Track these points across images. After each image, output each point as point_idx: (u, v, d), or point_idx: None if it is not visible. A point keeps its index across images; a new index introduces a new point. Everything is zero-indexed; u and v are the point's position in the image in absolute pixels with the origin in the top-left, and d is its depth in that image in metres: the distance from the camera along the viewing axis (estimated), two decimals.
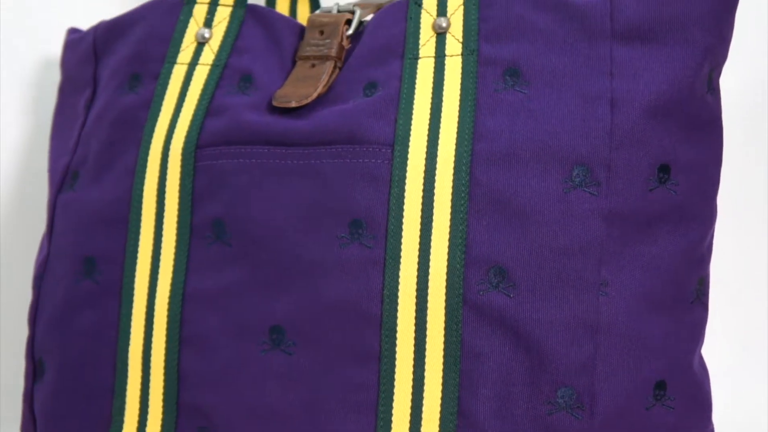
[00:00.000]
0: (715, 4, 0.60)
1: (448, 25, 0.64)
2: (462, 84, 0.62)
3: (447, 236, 0.59)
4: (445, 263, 0.59)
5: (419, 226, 0.59)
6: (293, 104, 0.64)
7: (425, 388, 0.59)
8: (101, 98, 0.71)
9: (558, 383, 0.57)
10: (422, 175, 0.60)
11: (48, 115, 0.85)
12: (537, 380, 0.58)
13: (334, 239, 0.60)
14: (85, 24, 0.82)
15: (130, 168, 0.67)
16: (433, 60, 0.63)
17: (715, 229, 0.63)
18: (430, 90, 0.62)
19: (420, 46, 0.64)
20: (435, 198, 0.59)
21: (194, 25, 0.71)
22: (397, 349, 0.59)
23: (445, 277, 0.59)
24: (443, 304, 0.58)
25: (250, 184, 0.63)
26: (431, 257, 0.59)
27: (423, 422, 0.59)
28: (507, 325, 0.58)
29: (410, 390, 0.59)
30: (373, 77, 0.64)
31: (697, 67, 0.59)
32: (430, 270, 0.59)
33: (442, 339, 0.58)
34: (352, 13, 0.69)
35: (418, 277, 0.59)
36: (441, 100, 0.62)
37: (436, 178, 0.60)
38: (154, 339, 0.65)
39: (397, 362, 0.59)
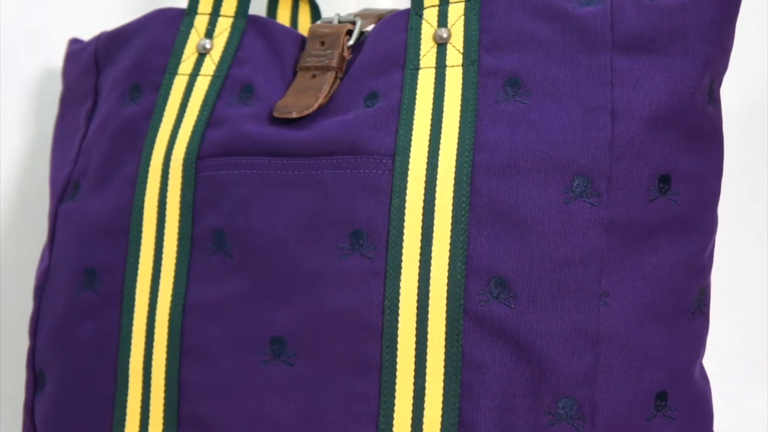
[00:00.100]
0: (716, 15, 0.60)
1: (449, 35, 0.64)
2: (463, 94, 0.62)
3: (448, 247, 0.59)
4: (446, 274, 0.59)
5: (420, 237, 0.59)
6: (294, 115, 0.64)
7: (426, 398, 0.59)
8: (102, 109, 0.72)
9: (559, 394, 0.57)
10: (423, 185, 0.60)
11: (49, 125, 0.86)
12: (538, 391, 0.58)
13: (335, 250, 0.60)
14: (87, 34, 0.82)
15: (131, 179, 0.67)
16: (433, 70, 0.63)
17: (715, 239, 0.63)
18: (431, 100, 0.62)
19: (421, 57, 0.64)
20: (436, 209, 0.59)
21: (195, 36, 0.71)
22: (398, 359, 0.59)
23: (445, 287, 0.58)
24: (444, 315, 0.58)
25: (250, 194, 0.63)
26: (432, 268, 0.59)
27: None
28: (508, 335, 0.58)
29: (411, 401, 0.59)
30: (374, 88, 0.64)
31: (697, 78, 0.60)
32: (431, 281, 0.59)
33: (443, 350, 0.58)
34: (353, 23, 0.69)
35: (418, 287, 0.59)
36: (442, 111, 0.62)
37: (437, 188, 0.60)
38: (154, 350, 0.65)
39: (398, 373, 0.59)
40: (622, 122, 0.59)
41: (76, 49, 0.77)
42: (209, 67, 0.69)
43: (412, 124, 0.62)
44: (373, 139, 0.62)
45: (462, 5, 0.64)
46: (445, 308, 0.58)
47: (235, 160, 0.65)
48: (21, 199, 0.88)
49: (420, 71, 0.64)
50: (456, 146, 0.60)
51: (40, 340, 0.70)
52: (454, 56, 0.63)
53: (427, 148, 0.61)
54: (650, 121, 0.59)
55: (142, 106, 0.69)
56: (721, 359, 0.84)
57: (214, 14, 0.71)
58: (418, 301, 0.59)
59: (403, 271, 0.59)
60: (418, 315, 0.59)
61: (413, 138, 0.61)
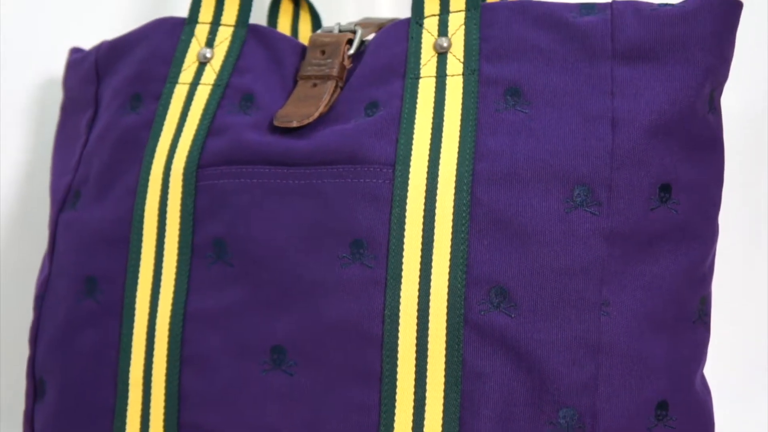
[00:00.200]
0: (716, 25, 0.60)
1: (449, 44, 0.64)
2: (463, 104, 0.62)
3: (448, 256, 0.59)
4: (446, 283, 0.59)
5: (420, 246, 0.59)
6: (294, 124, 0.64)
7: (426, 408, 0.58)
8: (103, 118, 0.72)
9: (560, 403, 0.57)
10: (423, 194, 0.60)
11: (50, 133, 0.86)
12: (539, 401, 0.57)
13: (336, 259, 0.60)
14: (88, 43, 0.82)
15: (132, 188, 0.67)
16: (434, 80, 0.63)
17: (716, 248, 0.63)
18: (432, 110, 0.62)
19: (421, 66, 0.64)
20: (436, 218, 0.59)
21: (196, 45, 0.71)
22: (398, 369, 0.59)
23: (446, 297, 0.58)
24: (444, 324, 0.58)
25: (251, 203, 0.63)
26: (432, 277, 0.59)
27: None
28: (508, 345, 0.58)
29: (411, 410, 0.59)
30: (375, 97, 0.64)
31: (698, 87, 0.60)
32: (431, 290, 0.59)
33: (444, 359, 0.58)
34: (354, 32, 0.69)
35: (419, 297, 0.59)
36: (442, 120, 0.62)
37: (437, 197, 0.60)
38: (155, 359, 0.65)
39: (398, 382, 0.59)
40: (623, 131, 0.59)
41: (77, 58, 0.77)
42: (210, 76, 0.69)
43: (412, 133, 0.62)
44: (373, 149, 0.62)
45: (462, 14, 0.64)
46: (445, 318, 0.58)
47: (236, 169, 0.65)
48: (21, 207, 0.88)
49: (420, 80, 0.64)
50: (456, 155, 0.60)
51: (41, 349, 0.70)
52: (455, 65, 0.63)
53: (427, 158, 0.61)
54: (651, 131, 0.59)
55: (143, 115, 0.69)
56: (722, 368, 0.83)
57: (215, 23, 0.71)
58: (418, 310, 0.59)
59: (403, 280, 0.59)
60: (418, 324, 0.59)
61: (414, 147, 0.61)
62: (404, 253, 0.59)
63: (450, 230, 0.59)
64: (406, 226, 0.60)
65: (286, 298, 0.61)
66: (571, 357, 0.57)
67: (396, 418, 0.59)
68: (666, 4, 0.60)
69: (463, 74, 0.63)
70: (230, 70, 0.69)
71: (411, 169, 0.61)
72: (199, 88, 0.69)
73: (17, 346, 0.84)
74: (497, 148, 0.60)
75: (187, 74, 0.70)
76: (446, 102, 0.62)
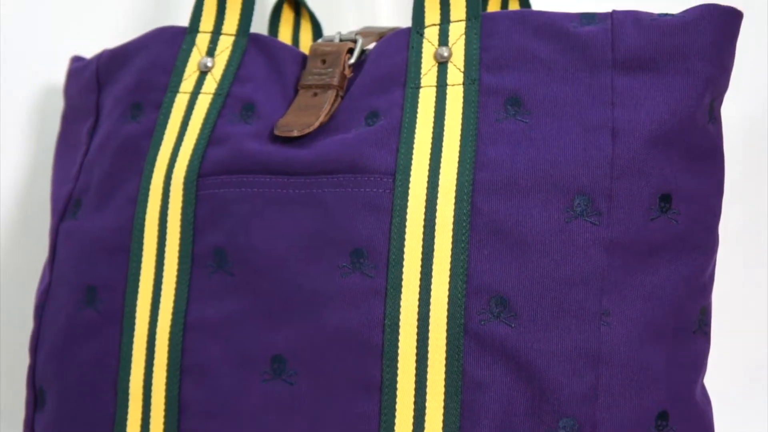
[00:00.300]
0: (716, 35, 0.60)
1: (450, 54, 0.64)
2: (463, 113, 0.62)
3: (448, 266, 0.59)
4: (447, 293, 0.59)
5: (420, 256, 0.59)
6: (295, 133, 0.64)
7: (426, 418, 0.58)
8: (104, 127, 0.72)
9: (560, 413, 0.57)
10: (423, 204, 0.60)
11: (51, 142, 0.86)
12: (539, 410, 0.57)
13: (336, 269, 0.60)
14: (89, 52, 0.82)
15: (132, 197, 0.67)
16: (434, 89, 0.63)
17: (716, 258, 0.63)
18: (432, 119, 0.62)
19: (422, 76, 0.64)
20: (436, 227, 0.59)
21: (197, 54, 0.71)
22: (398, 378, 0.59)
23: (446, 306, 0.58)
24: (444, 334, 0.58)
25: (251, 213, 0.63)
26: (432, 287, 0.59)
27: None
28: (508, 355, 0.58)
29: (411, 420, 0.59)
30: (375, 106, 0.64)
31: (698, 97, 0.60)
32: (432, 300, 0.59)
33: (444, 369, 0.58)
34: (354, 41, 0.69)
35: (419, 306, 0.59)
36: (442, 130, 0.62)
37: (438, 207, 0.60)
38: (155, 368, 0.65)
39: (398, 392, 0.59)
40: (623, 141, 0.59)
41: (78, 66, 0.77)
42: (210, 85, 0.70)
43: (412, 142, 0.62)
44: (373, 158, 0.62)
45: (463, 24, 0.64)
46: (445, 327, 0.58)
47: (236, 179, 0.65)
48: (22, 216, 0.88)
49: (421, 90, 0.64)
50: (457, 165, 0.60)
51: (41, 357, 0.70)
52: (455, 75, 0.63)
53: (427, 167, 0.61)
54: (651, 141, 0.59)
55: (143, 124, 0.69)
56: (722, 378, 0.83)
57: (216, 33, 0.71)
58: (418, 320, 0.59)
59: (403, 290, 0.59)
60: (418, 334, 0.59)
61: (414, 157, 0.61)
62: (404, 263, 0.59)
63: (450, 240, 0.59)
64: (407, 236, 0.60)
65: (287, 307, 0.61)
66: (571, 367, 0.57)
67: (396, 427, 0.59)
68: (666, 14, 0.60)
69: (463, 84, 0.63)
70: (231, 80, 0.69)
71: (411, 179, 0.61)
72: (200, 97, 0.69)
73: (18, 354, 0.84)
74: (497, 157, 0.60)
75: (188, 83, 0.70)
76: (447, 111, 0.62)
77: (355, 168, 0.62)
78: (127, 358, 0.65)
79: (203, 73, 0.70)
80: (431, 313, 0.59)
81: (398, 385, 0.59)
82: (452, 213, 0.59)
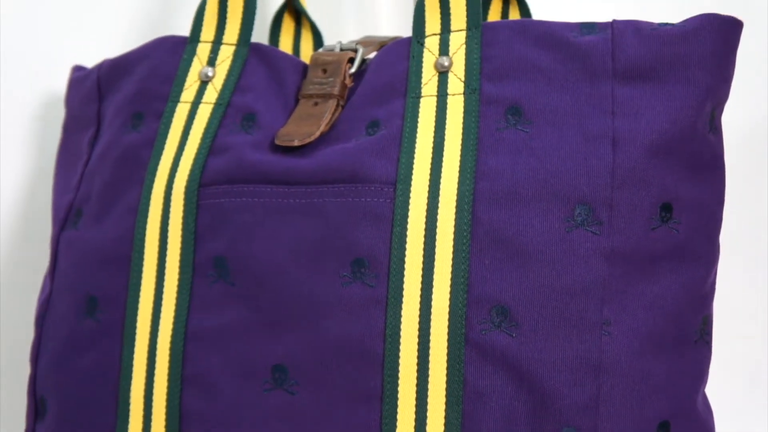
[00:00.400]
0: (717, 44, 0.60)
1: (450, 64, 0.64)
2: (464, 123, 0.62)
3: (449, 275, 0.59)
4: (447, 302, 0.59)
5: (421, 266, 0.59)
6: (296, 143, 0.64)
7: (427, 428, 0.58)
8: (105, 136, 0.72)
9: (561, 423, 0.57)
10: (424, 214, 0.60)
11: (52, 151, 0.86)
12: (540, 420, 0.57)
13: (337, 278, 0.60)
14: (90, 61, 0.83)
15: (133, 207, 0.67)
16: (435, 99, 0.64)
17: (718, 267, 0.63)
18: (433, 129, 0.62)
19: (422, 85, 0.64)
20: (437, 237, 0.59)
21: (198, 64, 0.71)
22: (399, 389, 0.59)
23: (447, 316, 0.58)
24: (445, 344, 0.58)
25: (252, 222, 0.63)
26: (433, 296, 0.59)
27: None
28: (510, 364, 0.58)
29: (412, 430, 0.59)
30: (376, 116, 0.64)
31: (698, 107, 0.60)
32: (432, 309, 0.59)
33: (445, 379, 0.58)
34: (355, 51, 0.69)
35: (420, 316, 0.59)
36: (443, 139, 0.62)
37: (438, 217, 0.60)
38: (156, 378, 0.65)
39: (399, 402, 0.59)
40: (624, 151, 0.59)
41: (79, 76, 0.77)
42: (211, 94, 0.70)
43: (413, 152, 0.62)
44: (374, 168, 0.62)
45: (463, 34, 0.64)
46: (446, 337, 0.58)
47: (237, 188, 0.65)
48: (23, 226, 0.88)
49: (421, 99, 0.64)
50: (457, 175, 0.60)
51: (41, 367, 0.70)
52: (456, 84, 0.63)
53: (428, 177, 0.61)
54: (651, 150, 0.59)
55: (144, 134, 0.70)
56: (723, 387, 0.83)
57: (217, 42, 0.72)
58: (419, 329, 0.59)
59: (404, 299, 0.59)
60: (419, 344, 0.59)
61: (415, 166, 0.61)
62: (405, 273, 0.59)
63: (451, 249, 0.59)
64: (407, 246, 0.60)
65: (288, 317, 0.61)
66: (573, 377, 0.57)
67: None
68: (666, 24, 0.60)
69: (464, 93, 0.63)
70: (232, 89, 0.69)
71: (412, 188, 0.61)
72: (201, 106, 0.69)
73: (19, 364, 0.84)
74: (498, 167, 0.60)
75: (188, 93, 0.70)
76: (447, 121, 0.62)
77: (356, 178, 0.62)
78: (128, 368, 0.65)
79: (204, 82, 0.70)
80: (432, 323, 0.59)
81: (399, 395, 0.59)
82: (453, 222, 0.59)
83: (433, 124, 0.63)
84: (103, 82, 0.74)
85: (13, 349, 0.87)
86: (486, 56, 0.63)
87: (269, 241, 0.63)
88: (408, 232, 0.60)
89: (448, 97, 0.63)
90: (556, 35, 0.62)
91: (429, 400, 0.58)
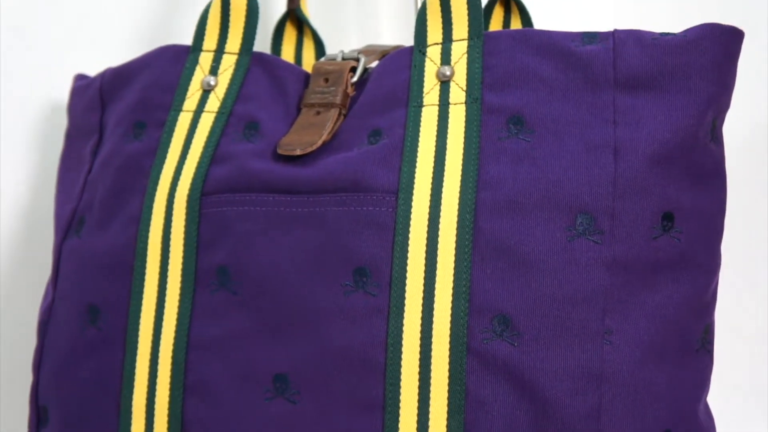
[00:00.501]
0: (718, 54, 0.60)
1: (452, 73, 0.64)
2: (466, 132, 0.62)
3: (451, 285, 0.59)
4: (449, 312, 0.59)
5: (423, 275, 0.59)
6: (298, 152, 0.64)
7: None
8: (107, 145, 0.72)
9: None
10: (426, 223, 0.60)
11: (54, 160, 0.86)
12: (542, 430, 0.57)
13: (339, 287, 0.60)
14: (92, 70, 0.83)
15: (135, 215, 0.68)
16: (437, 108, 0.64)
17: (719, 276, 0.63)
18: (434, 138, 0.62)
19: (424, 94, 0.64)
20: (439, 246, 0.60)
21: (200, 73, 0.71)
22: (401, 397, 0.59)
23: (449, 325, 0.58)
24: (447, 353, 0.58)
25: (254, 231, 0.63)
26: (435, 305, 0.59)
27: None
28: (511, 373, 0.58)
29: None
30: (378, 125, 0.64)
31: (700, 116, 0.60)
32: (434, 318, 0.59)
33: (446, 388, 0.58)
34: (357, 60, 0.69)
35: (422, 325, 0.59)
36: (445, 148, 0.62)
37: (440, 226, 0.60)
38: (158, 386, 0.65)
39: (401, 411, 0.59)
40: (625, 160, 0.59)
41: (81, 84, 0.77)
42: (214, 103, 0.70)
43: (415, 161, 0.62)
44: (376, 177, 0.62)
45: (465, 43, 0.64)
46: (448, 346, 0.58)
47: (239, 197, 0.65)
48: (25, 234, 0.88)
49: (423, 108, 0.64)
50: (459, 184, 0.60)
51: (44, 376, 0.70)
52: (457, 94, 0.63)
53: (430, 186, 0.61)
54: (653, 159, 0.59)
55: (146, 143, 0.70)
56: (725, 396, 0.83)
57: (219, 51, 0.72)
58: (421, 338, 0.59)
59: (406, 308, 0.59)
60: (421, 353, 0.59)
61: (416, 175, 0.61)
62: (407, 282, 0.60)
63: (453, 259, 0.59)
64: (409, 255, 0.60)
65: (289, 326, 0.61)
66: (574, 386, 0.57)
67: None
68: (668, 33, 0.60)
69: (465, 102, 0.63)
70: (234, 98, 0.70)
71: (414, 197, 0.61)
72: (203, 115, 0.69)
73: (21, 372, 0.84)
74: (500, 176, 0.60)
75: (191, 102, 0.70)
76: (449, 130, 0.62)
77: (358, 186, 0.62)
78: (130, 376, 0.65)
79: (206, 91, 0.70)
80: (434, 332, 0.59)
81: (401, 404, 0.59)
82: (455, 231, 0.60)
83: (435, 133, 0.63)
84: (105, 90, 0.74)
85: (15, 356, 0.87)
86: (488, 65, 0.63)
87: (271, 250, 0.63)
88: (410, 241, 0.60)
89: (450, 106, 0.63)
90: (557, 45, 0.62)
91: (431, 409, 0.58)
